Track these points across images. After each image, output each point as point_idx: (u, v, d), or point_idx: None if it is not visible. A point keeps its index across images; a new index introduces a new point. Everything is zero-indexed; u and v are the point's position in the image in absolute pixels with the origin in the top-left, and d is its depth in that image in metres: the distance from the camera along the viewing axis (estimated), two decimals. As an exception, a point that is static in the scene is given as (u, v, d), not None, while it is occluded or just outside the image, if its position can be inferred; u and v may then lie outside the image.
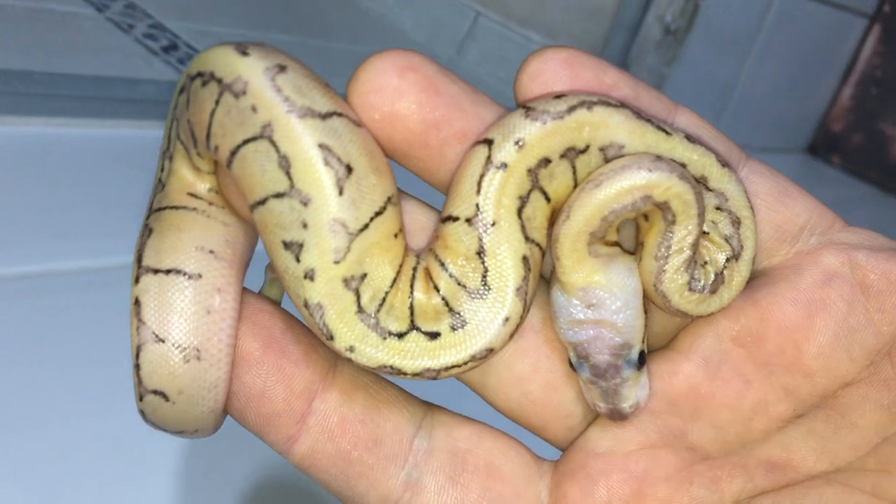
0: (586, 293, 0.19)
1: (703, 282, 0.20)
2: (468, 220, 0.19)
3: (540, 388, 0.22)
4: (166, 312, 0.19)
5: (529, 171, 0.19)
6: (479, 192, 0.18)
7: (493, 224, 0.19)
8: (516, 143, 0.18)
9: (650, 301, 0.20)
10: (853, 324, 0.20)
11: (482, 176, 0.18)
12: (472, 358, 0.19)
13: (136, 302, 0.19)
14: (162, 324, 0.19)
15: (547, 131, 0.18)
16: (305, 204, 0.18)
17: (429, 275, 0.19)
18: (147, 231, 0.20)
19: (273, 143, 0.18)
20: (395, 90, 0.18)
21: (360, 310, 0.19)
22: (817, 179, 1.09)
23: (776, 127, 1.12)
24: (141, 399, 0.20)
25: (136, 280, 0.20)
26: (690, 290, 0.19)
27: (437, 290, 0.19)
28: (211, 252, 0.20)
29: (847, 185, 1.09)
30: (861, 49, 1.11)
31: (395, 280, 0.19)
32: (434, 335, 0.19)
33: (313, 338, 0.20)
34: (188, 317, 0.19)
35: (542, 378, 0.22)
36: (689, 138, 0.19)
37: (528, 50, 0.91)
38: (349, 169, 0.18)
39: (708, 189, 0.19)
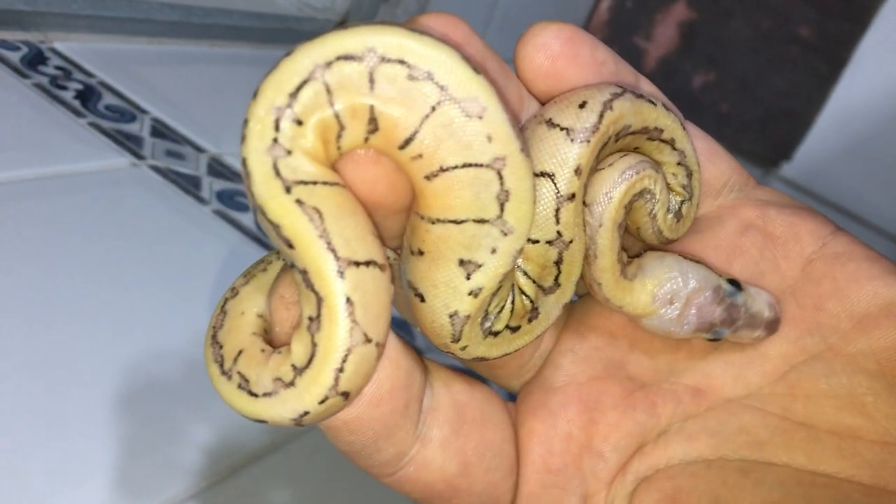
0: (658, 300, 0.22)
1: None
2: (549, 242, 0.20)
3: None
4: (373, 310, 0.18)
5: (584, 185, 0.20)
6: (558, 222, 0.20)
7: (570, 242, 0.20)
8: (575, 172, 0.20)
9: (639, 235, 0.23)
10: (763, 267, 0.23)
11: (558, 210, 0.20)
12: (536, 336, 0.22)
13: (349, 301, 0.17)
14: (371, 323, 0.18)
15: (591, 147, 0.20)
16: (505, 234, 0.18)
17: (517, 281, 0.21)
18: (312, 211, 0.17)
19: (500, 177, 0.18)
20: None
21: (486, 316, 0.20)
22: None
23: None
24: (322, 402, 0.18)
25: (341, 274, 0.17)
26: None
27: (525, 295, 0.21)
28: (378, 237, 0.18)
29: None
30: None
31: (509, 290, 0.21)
32: (516, 328, 0.21)
33: None
34: (385, 313, 0.18)
35: None
36: (665, 106, 0.22)
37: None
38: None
39: (674, 148, 0.22)
